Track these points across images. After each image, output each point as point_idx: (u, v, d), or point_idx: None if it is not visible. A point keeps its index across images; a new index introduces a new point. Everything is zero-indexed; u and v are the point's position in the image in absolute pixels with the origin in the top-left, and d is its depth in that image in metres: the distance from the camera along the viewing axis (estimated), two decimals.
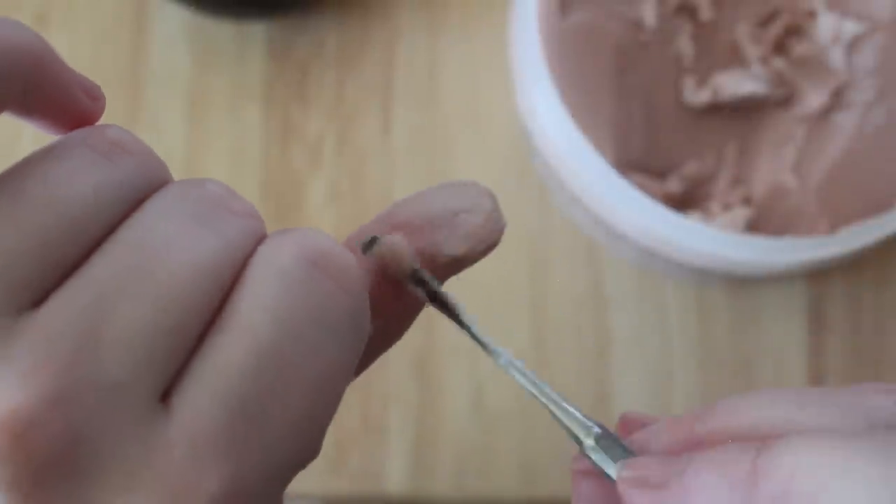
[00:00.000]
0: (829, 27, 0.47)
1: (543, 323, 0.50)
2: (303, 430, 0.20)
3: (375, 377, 0.49)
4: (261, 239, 0.21)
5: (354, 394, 0.49)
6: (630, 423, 0.26)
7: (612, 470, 0.24)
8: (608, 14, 0.46)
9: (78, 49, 0.52)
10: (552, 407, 0.25)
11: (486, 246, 0.25)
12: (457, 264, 0.24)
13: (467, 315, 0.25)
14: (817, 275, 0.51)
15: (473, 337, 0.25)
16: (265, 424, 0.19)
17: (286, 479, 0.20)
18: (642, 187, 0.44)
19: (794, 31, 0.48)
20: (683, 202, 0.46)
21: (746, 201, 0.47)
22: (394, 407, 0.49)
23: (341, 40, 0.52)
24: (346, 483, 0.49)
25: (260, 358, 0.19)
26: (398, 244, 0.24)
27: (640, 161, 0.46)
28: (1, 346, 0.18)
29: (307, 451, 0.20)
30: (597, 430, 0.24)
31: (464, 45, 0.52)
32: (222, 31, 0.52)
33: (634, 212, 0.44)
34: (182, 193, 0.21)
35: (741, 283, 0.51)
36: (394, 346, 0.51)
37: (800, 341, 0.51)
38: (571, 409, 0.25)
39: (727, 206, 0.46)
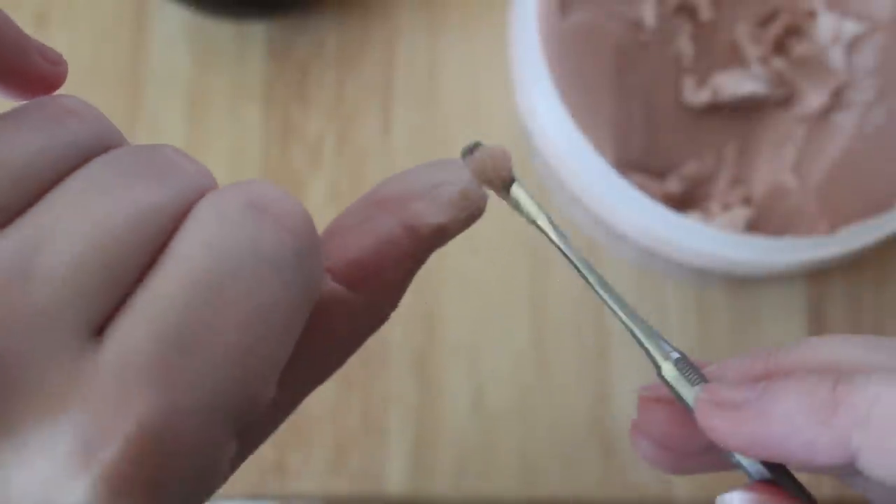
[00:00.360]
0: (828, 27, 0.47)
1: (543, 323, 0.50)
2: (240, 363, 0.19)
3: (375, 377, 0.49)
4: (209, 189, 0.22)
5: (354, 394, 0.49)
6: (648, 402, 0.26)
7: (686, 391, 0.24)
8: (608, 14, 0.46)
9: (78, 49, 0.52)
10: (632, 327, 0.25)
11: (467, 214, 0.25)
12: (440, 234, 0.24)
13: (561, 234, 0.26)
14: (817, 275, 0.51)
15: (566, 255, 0.26)
16: (198, 353, 0.19)
17: (230, 418, 0.20)
18: (642, 187, 0.44)
19: (794, 31, 0.48)
20: (683, 202, 0.46)
21: (746, 201, 0.47)
22: (394, 407, 0.49)
23: (341, 40, 0.52)
24: (346, 483, 0.49)
25: (193, 288, 0.19)
26: (500, 151, 0.25)
27: (640, 161, 0.46)
28: None
29: (249, 388, 0.20)
30: (676, 354, 0.24)
31: (464, 45, 0.52)
32: (222, 31, 0.52)
33: (634, 212, 0.44)
34: (132, 150, 0.21)
35: (741, 283, 0.51)
36: (394, 347, 0.51)
37: None
38: (651, 332, 0.25)
39: (727, 206, 0.46)
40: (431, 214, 0.24)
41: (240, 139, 0.51)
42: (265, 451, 0.49)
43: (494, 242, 0.51)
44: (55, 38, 0.51)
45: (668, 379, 0.24)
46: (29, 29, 0.58)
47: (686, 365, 0.24)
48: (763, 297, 0.51)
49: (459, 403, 0.49)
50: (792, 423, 0.22)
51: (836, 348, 0.24)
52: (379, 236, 0.24)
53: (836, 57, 0.47)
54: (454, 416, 0.49)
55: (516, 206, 0.26)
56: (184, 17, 0.52)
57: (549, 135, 0.45)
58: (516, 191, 0.26)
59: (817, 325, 0.51)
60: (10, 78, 0.22)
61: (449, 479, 0.49)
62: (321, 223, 0.54)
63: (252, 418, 0.20)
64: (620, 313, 0.25)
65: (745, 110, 0.48)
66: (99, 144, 0.22)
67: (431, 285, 0.50)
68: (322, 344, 0.23)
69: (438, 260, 0.51)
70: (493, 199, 0.55)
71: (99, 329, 0.19)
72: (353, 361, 0.51)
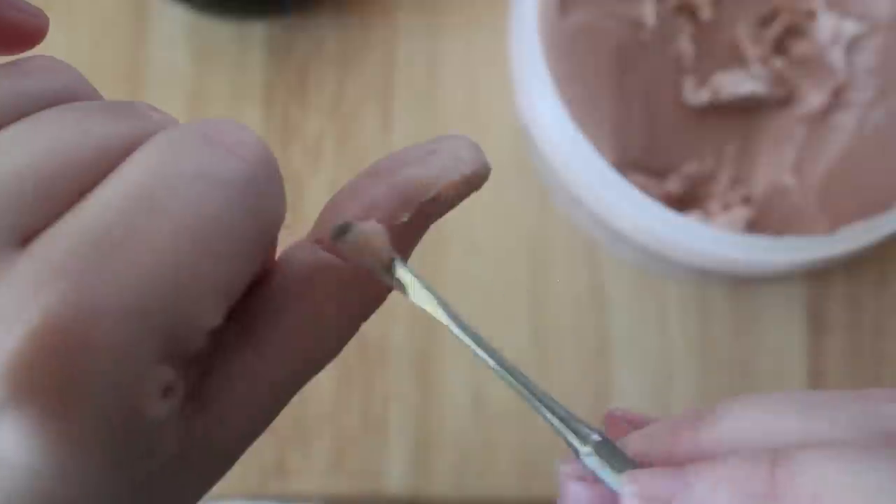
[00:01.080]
0: (828, 27, 0.47)
1: (543, 323, 0.50)
2: (170, 275, 0.18)
3: (375, 377, 0.49)
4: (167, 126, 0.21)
5: (354, 393, 0.49)
6: (616, 421, 0.25)
7: (611, 479, 0.22)
8: (608, 14, 0.46)
9: (77, 49, 0.52)
10: (545, 411, 0.24)
11: (463, 179, 0.23)
12: (432, 198, 0.23)
13: (452, 312, 0.23)
14: (817, 275, 0.51)
15: (458, 336, 0.24)
16: (122, 256, 0.18)
17: (156, 334, 0.18)
18: (642, 187, 0.44)
19: (794, 31, 0.48)
20: (683, 202, 0.46)
21: (746, 201, 0.47)
22: (394, 407, 0.49)
23: (341, 40, 0.52)
24: (346, 483, 0.49)
25: (126, 197, 0.19)
26: (374, 230, 0.22)
27: (640, 161, 0.46)
28: None
29: (180, 305, 0.19)
30: (595, 437, 0.23)
31: (464, 45, 0.52)
32: (222, 31, 0.52)
33: (634, 212, 0.44)
34: (102, 101, 0.21)
35: (741, 283, 0.51)
36: (394, 346, 0.51)
37: (800, 341, 0.51)
38: (566, 414, 0.23)
39: (727, 206, 0.46)
40: (421, 177, 0.23)
41: None
42: (265, 451, 0.49)
43: (494, 242, 0.51)
44: (54, 38, 0.51)
45: (589, 466, 0.23)
46: None
47: (607, 447, 0.23)
48: (763, 297, 0.51)
49: (459, 403, 0.49)
50: None
51: (771, 416, 0.22)
52: (364, 201, 0.23)
53: (836, 57, 0.47)
54: (454, 416, 0.49)
55: (401, 287, 0.23)
56: (184, 17, 0.52)
57: (549, 135, 0.45)
58: (400, 272, 0.23)
59: (817, 325, 0.51)
60: None
61: (449, 478, 0.49)
62: None
63: (188, 346, 0.19)
64: (531, 397, 0.24)
65: (745, 110, 0.48)
66: (69, 97, 0.21)
67: (432, 285, 0.50)
68: (312, 318, 0.22)
69: (438, 260, 0.51)
70: (493, 198, 0.55)
71: (28, 240, 0.19)
72: (354, 361, 0.51)
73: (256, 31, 0.52)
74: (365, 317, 0.24)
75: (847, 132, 0.47)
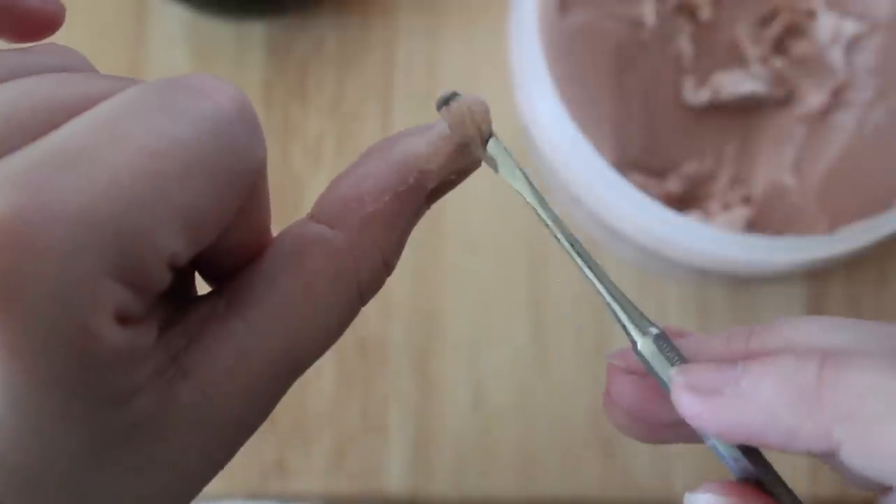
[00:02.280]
0: (828, 27, 0.47)
1: (543, 322, 0.50)
2: (126, 187, 0.18)
3: (375, 376, 0.49)
4: None
5: (354, 392, 0.49)
6: (672, 335, 0.25)
7: (662, 371, 0.23)
8: (608, 14, 0.46)
9: (77, 48, 0.52)
10: (609, 298, 0.24)
11: (457, 151, 0.23)
12: (424, 169, 0.23)
13: (537, 192, 0.24)
14: (817, 274, 0.51)
15: (538, 214, 0.24)
16: (78, 168, 0.18)
17: (108, 248, 0.18)
18: (642, 187, 0.44)
19: (794, 30, 0.48)
20: (683, 202, 0.46)
21: (746, 201, 0.47)
22: (394, 406, 0.49)
23: (341, 40, 0.52)
24: (345, 483, 0.49)
25: (91, 122, 0.19)
26: (478, 103, 0.23)
27: (639, 161, 0.46)
28: None
29: (135, 222, 0.18)
30: (653, 330, 0.23)
31: (464, 45, 0.52)
32: (222, 31, 0.52)
33: (634, 212, 0.44)
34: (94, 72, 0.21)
35: (741, 283, 0.51)
36: (394, 345, 0.51)
37: None
38: (629, 305, 0.24)
39: (727, 206, 0.46)
40: (414, 148, 0.23)
41: None
42: (265, 451, 0.49)
43: (494, 241, 0.51)
44: (54, 38, 0.51)
45: (645, 356, 0.23)
46: None
47: (664, 342, 0.23)
48: (763, 297, 0.51)
49: (459, 402, 0.49)
50: (772, 412, 0.21)
51: (823, 329, 0.22)
52: (358, 172, 0.23)
53: (836, 57, 0.47)
54: (454, 415, 0.49)
55: (492, 162, 0.24)
56: (184, 17, 0.52)
57: (549, 134, 0.45)
58: (494, 147, 0.24)
59: None
60: (1, 18, 0.22)
61: (449, 477, 0.49)
62: None
63: (148, 274, 0.18)
64: (600, 285, 0.24)
65: (745, 110, 0.48)
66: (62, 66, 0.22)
67: (431, 284, 0.50)
68: (303, 288, 0.22)
69: (438, 258, 0.51)
70: (493, 197, 0.55)
71: None
72: (354, 360, 0.51)
73: (256, 31, 0.52)
74: (363, 296, 0.23)
75: (847, 132, 0.47)
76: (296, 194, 0.50)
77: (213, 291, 0.22)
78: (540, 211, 0.24)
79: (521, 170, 0.24)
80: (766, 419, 0.21)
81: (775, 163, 0.47)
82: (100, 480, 0.19)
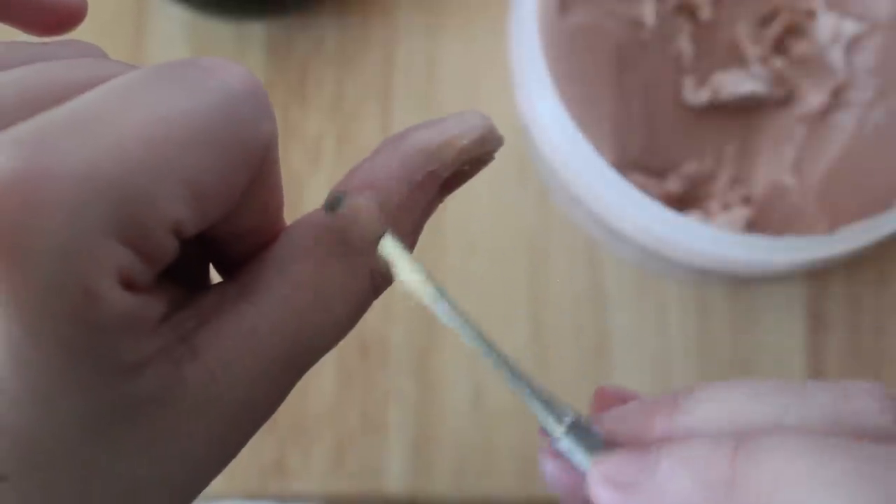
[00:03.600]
0: (828, 27, 0.47)
1: (543, 322, 0.50)
2: (130, 149, 0.18)
3: (375, 376, 0.49)
4: None
5: (354, 393, 0.49)
6: (605, 398, 0.25)
7: (581, 462, 0.23)
8: (608, 14, 0.46)
9: None
10: (525, 392, 0.24)
11: (469, 142, 0.23)
12: (444, 169, 0.23)
13: (438, 294, 0.23)
14: (817, 275, 0.51)
15: (442, 318, 0.23)
16: (84, 130, 0.18)
17: (111, 207, 0.18)
18: (642, 187, 0.44)
19: (794, 30, 0.48)
20: (683, 202, 0.46)
21: (746, 201, 0.47)
22: (394, 406, 0.49)
23: (341, 40, 0.52)
24: (345, 483, 0.49)
25: (101, 92, 0.19)
26: (366, 202, 0.22)
27: (639, 161, 0.46)
28: None
29: (139, 184, 0.18)
30: (568, 418, 0.23)
31: (464, 45, 0.52)
32: (222, 31, 0.52)
33: (634, 212, 0.44)
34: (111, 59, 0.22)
35: (741, 283, 0.51)
36: (394, 345, 0.51)
37: (799, 341, 0.51)
38: (546, 396, 0.24)
39: (727, 206, 0.46)
40: (426, 138, 0.23)
41: None
42: (265, 451, 0.49)
43: (494, 242, 0.51)
44: (54, 38, 0.52)
45: (562, 449, 0.23)
46: None
47: (580, 429, 0.23)
48: (763, 297, 0.51)
49: (459, 402, 0.49)
50: (688, 502, 0.20)
51: (748, 397, 0.22)
52: (371, 164, 0.23)
53: (836, 57, 0.47)
54: (454, 415, 0.49)
55: (386, 264, 0.22)
56: (184, 17, 0.52)
57: (549, 134, 0.45)
58: (387, 247, 0.22)
59: (817, 324, 0.51)
60: (25, 14, 0.23)
61: (449, 478, 0.49)
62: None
63: (152, 240, 0.19)
64: (513, 378, 0.24)
65: (745, 110, 0.48)
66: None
67: None
68: (313, 275, 0.22)
69: (438, 258, 0.51)
70: (493, 198, 0.55)
71: None
72: (354, 360, 0.51)
73: (256, 31, 0.52)
74: (376, 288, 0.23)
75: (847, 132, 0.47)
76: (295, 194, 0.50)
77: (225, 280, 0.23)
78: (441, 313, 0.23)
79: (419, 268, 0.23)
80: None
81: (775, 163, 0.47)
82: (101, 457, 0.19)
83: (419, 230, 0.24)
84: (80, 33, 0.58)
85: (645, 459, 0.22)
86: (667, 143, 0.47)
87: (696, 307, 0.51)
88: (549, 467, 0.24)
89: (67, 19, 0.23)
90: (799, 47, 0.48)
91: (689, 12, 0.48)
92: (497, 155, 0.24)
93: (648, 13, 0.47)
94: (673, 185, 0.46)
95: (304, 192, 0.50)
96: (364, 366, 0.49)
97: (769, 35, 0.48)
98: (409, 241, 0.23)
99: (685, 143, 0.47)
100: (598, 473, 0.22)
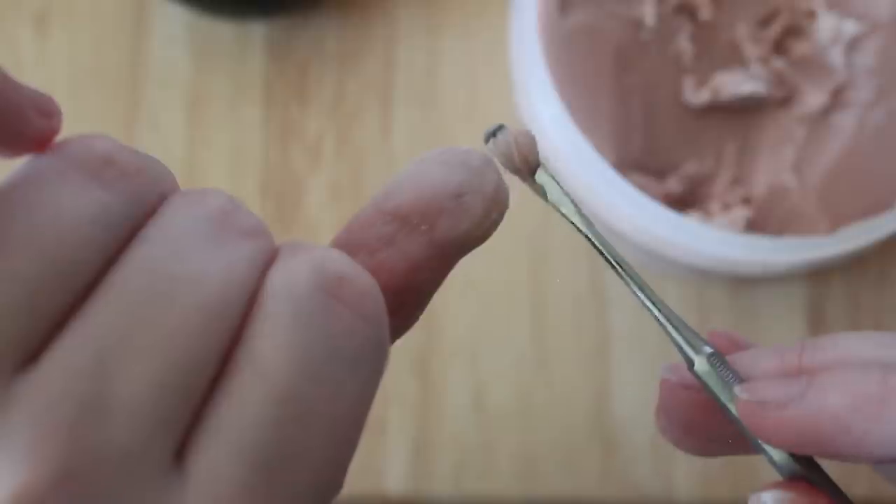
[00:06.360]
0: (828, 27, 0.47)
1: (543, 322, 0.50)
2: (326, 474, 0.19)
3: None
4: (271, 259, 0.20)
5: None
6: (718, 339, 0.26)
7: (721, 392, 0.24)
8: (608, 14, 0.46)
9: (78, 49, 0.52)
10: (661, 319, 0.25)
11: (497, 219, 0.24)
12: (471, 247, 0.23)
13: (587, 222, 0.25)
14: (817, 275, 0.51)
15: (592, 244, 0.25)
16: (287, 476, 0.18)
17: None
18: (642, 187, 0.44)
19: (794, 31, 0.48)
20: (683, 202, 0.46)
21: (746, 201, 0.47)
22: (394, 407, 0.49)
23: (341, 40, 0.52)
24: (346, 483, 0.49)
25: (278, 405, 0.18)
26: (525, 135, 0.24)
27: (640, 161, 0.46)
28: None
29: (331, 492, 0.19)
30: (707, 349, 0.24)
31: (464, 45, 0.52)
32: (222, 31, 0.52)
33: (634, 212, 0.44)
34: (183, 218, 0.19)
35: (741, 283, 0.51)
36: (393, 346, 0.51)
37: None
38: (681, 324, 0.24)
39: (727, 206, 0.46)
40: (462, 230, 0.22)
41: (240, 139, 0.51)
42: None
43: (494, 242, 0.51)
44: (55, 38, 0.51)
45: (701, 375, 0.24)
46: (29, 30, 0.57)
47: (718, 361, 0.24)
48: (763, 297, 0.51)
49: (459, 403, 0.49)
50: (840, 420, 0.21)
51: (878, 345, 0.23)
52: (411, 261, 0.22)
53: (836, 57, 0.47)
54: (454, 416, 0.49)
55: (541, 192, 0.25)
56: (184, 17, 0.52)
57: (549, 135, 0.45)
58: (542, 176, 0.25)
59: (817, 325, 0.51)
60: (3, 140, 0.19)
61: (449, 478, 0.49)
62: (321, 223, 0.54)
63: None
64: (651, 306, 0.24)
65: (745, 110, 0.48)
66: (148, 206, 0.19)
67: None
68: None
69: None
70: None
71: (178, 452, 0.18)
72: None
73: (256, 31, 0.52)
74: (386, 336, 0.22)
75: (847, 132, 0.47)
76: (296, 194, 0.50)
77: None
78: (590, 236, 0.25)
79: (569, 196, 0.25)
80: (834, 428, 0.21)
81: (775, 163, 0.47)
82: None
83: (430, 297, 0.24)
84: (81, 33, 0.58)
85: (795, 381, 0.22)
86: (667, 143, 0.47)
87: (696, 307, 0.50)
88: (674, 398, 0.25)
89: (46, 140, 0.19)
90: (799, 48, 0.48)
91: (689, 13, 0.48)
92: None
93: (648, 14, 0.47)
94: (673, 185, 0.46)
95: (304, 192, 0.50)
96: None
97: (769, 35, 0.48)
98: (422, 310, 0.23)
99: (685, 143, 0.47)
100: (749, 396, 0.23)
